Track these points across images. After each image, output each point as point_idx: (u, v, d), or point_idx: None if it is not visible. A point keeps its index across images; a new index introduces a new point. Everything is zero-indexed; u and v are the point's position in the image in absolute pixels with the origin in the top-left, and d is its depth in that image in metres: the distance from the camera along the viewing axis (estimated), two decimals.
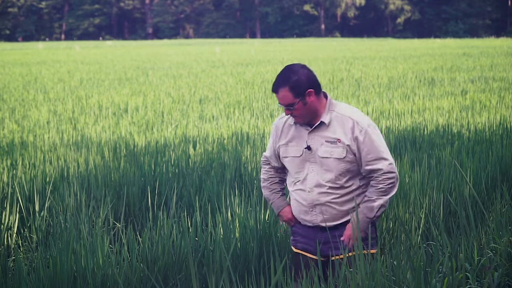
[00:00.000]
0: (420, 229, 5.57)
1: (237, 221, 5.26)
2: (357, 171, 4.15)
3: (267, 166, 4.41)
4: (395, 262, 3.72)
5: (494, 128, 9.63)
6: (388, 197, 4.11)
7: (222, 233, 5.08)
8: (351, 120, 4.08)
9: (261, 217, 5.20)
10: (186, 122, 12.19)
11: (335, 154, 4.09)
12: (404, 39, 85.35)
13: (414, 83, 19.52)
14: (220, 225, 5.16)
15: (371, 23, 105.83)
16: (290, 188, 4.33)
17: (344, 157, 4.09)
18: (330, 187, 4.15)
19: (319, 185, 4.16)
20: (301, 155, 4.18)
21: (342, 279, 3.53)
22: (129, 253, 4.95)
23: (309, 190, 4.19)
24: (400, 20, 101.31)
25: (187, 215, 6.07)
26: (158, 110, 14.15)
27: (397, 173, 4.13)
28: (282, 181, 4.43)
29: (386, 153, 4.11)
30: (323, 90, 4.20)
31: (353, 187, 4.17)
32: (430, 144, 8.81)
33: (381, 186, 4.07)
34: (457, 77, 21.04)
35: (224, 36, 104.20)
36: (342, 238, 4.16)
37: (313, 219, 4.23)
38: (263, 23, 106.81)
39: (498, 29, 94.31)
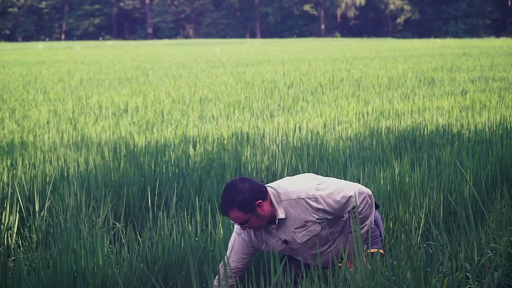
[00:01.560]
0: (420, 229, 5.57)
1: None
2: (338, 217, 4.16)
3: (234, 276, 4.32)
4: (395, 262, 3.72)
5: (494, 128, 9.63)
6: (370, 219, 4.13)
7: (222, 233, 5.08)
8: (302, 199, 4.03)
9: None
10: (186, 122, 12.19)
11: (312, 232, 4.09)
12: (404, 39, 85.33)
13: (414, 83, 19.52)
14: (220, 225, 5.16)
15: (371, 23, 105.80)
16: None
17: (322, 228, 4.09)
18: (329, 246, 4.20)
19: (314, 255, 4.20)
20: (285, 247, 4.19)
21: (342, 279, 3.53)
22: (129, 253, 4.95)
23: (312, 262, 4.24)
24: (400, 20, 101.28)
25: (187, 215, 6.06)
26: (158, 110, 14.15)
27: (366, 190, 4.11)
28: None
29: (347, 188, 4.07)
30: (265, 185, 4.13)
31: (342, 226, 4.20)
32: (430, 144, 8.81)
33: (361, 216, 4.09)
34: (457, 77, 21.03)
35: (224, 36, 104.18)
36: (340, 264, 4.19)
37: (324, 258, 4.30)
38: (263, 23, 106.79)
39: (498, 29, 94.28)
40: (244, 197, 3.98)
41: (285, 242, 4.13)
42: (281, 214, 4.05)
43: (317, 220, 4.05)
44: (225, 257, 4.22)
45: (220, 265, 4.40)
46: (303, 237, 4.09)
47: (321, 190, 4.04)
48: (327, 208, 4.03)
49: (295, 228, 4.07)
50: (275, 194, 4.09)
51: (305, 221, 4.05)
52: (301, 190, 4.05)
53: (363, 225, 4.10)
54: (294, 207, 4.05)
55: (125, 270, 4.63)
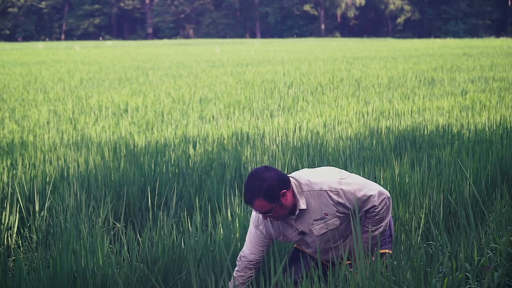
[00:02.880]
0: (420, 229, 5.57)
1: (237, 221, 5.26)
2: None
3: (247, 269, 4.31)
4: (395, 262, 3.72)
5: (494, 128, 9.63)
6: (386, 221, 4.13)
7: (222, 233, 5.08)
8: (324, 191, 4.02)
9: None
10: (186, 122, 12.18)
11: (330, 226, 4.08)
12: (404, 39, 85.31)
13: (414, 83, 19.52)
14: (220, 225, 5.16)
15: (371, 23, 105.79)
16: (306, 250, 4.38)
17: (341, 222, 4.09)
18: (344, 241, 4.21)
19: (331, 248, 4.20)
20: (301, 239, 4.18)
21: (342, 279, 3.53)
22: (129, 253, 4.95)
23: (325, 253, 4.25)
24: (400, 20, 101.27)
25: (187, 215, 6.06)
26: (158, 110, 14.15)
27: (386, 193, 4.11)
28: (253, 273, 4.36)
29: (368, 187, 4.08)
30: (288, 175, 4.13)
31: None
32: (430, 144, 8.81)
33: (378, 217, 4.08)
34: (457, 77, 21.03)
35: (224, 36, 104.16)
36: (348, 262, 4.17)
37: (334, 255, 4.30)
38: (263, 23, 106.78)
39: (498, 29, 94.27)
40: (270, 186, 3.95)
41: (302, 233, 4.11)
42: (302, 205, 4.03)
43: (337, 213, 4.04)
44: (242, 252, 4.22)
45: (237, 259, 4.38)
46: (320, 229, 4.07)
47: (343, 185, 4.03)
48: (347, 203, 4.02)
49: (314, 220, 4.06)
50: (297, 184, 4.07)
51: (325, 213, 4.04)
52: (323, 182, 4.04)
53: (379, 226, 4.10)
54: (315, 199, 4.04)
55: (125, 270, 4.63)
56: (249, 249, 4.28)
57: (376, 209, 4.06)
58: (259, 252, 4.28)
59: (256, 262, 4.31)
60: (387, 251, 4.26)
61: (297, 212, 4.06)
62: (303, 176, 4.10)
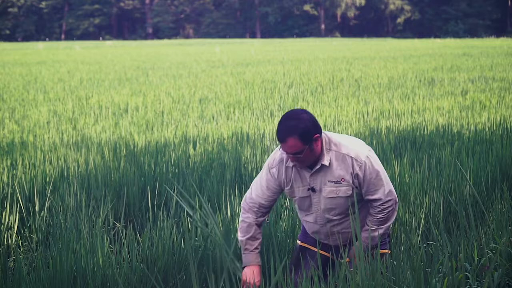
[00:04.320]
0: (420, 229, 5.57)
1: (237, 221, 5.26)
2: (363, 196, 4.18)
3: (252, 212, 4.26)
4: (395, 262, 3.72)
5: (494, 128, 9.63)
6: (388, 224, 4.11)
7: (222, 233, 5.07)
8: (349, 157, 4.04)
9: None
10: (186, 122, 12.19)
11: (341, 193, 4.08)
12: (404, 39, 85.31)
13: (414, 83, 19.52)
14: (220, 225, 5.16)
15: (371, 23, 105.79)
16: (301, 217, 4.34)
17: (351, 194, 4.08)
18: (342, 218, 4.18)
19: (330, 220, 4.18)
20: (308, 196, 4.16)
21: (342, 279, 3.53)
22: (129, 253, 4.95)
23: (321, 225, 4.21)
24: (400, 20, 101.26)
25: (187, 215, 6.06)
26: (158, 110, 14.15)
27: (396, 196, 4.11)
28: (261, 231, 4.32)
29: (385, 181, 4.09)
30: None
31: (363, 209, 4.20)
32: (430, 144, 8.81)
33: (380, 216, 4.07)
34: (457, 77, 21.03)
35: (224, 36, 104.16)
36: (347, 260, 4.16)
37: (329, 242, 4.27)
38: (263, 23, 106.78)
39: (498, 29, 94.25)
40: (307, 126, 3.96)
41: (312, 190, 4.09)
42: (325, 161, 4.03)
43: (352, 184, 4.04)
44: (246, 194, 4.20)
45: (242, 200, 4.34)
46: (330, 192, 4.07)
47: (369, 162, 4.04)
48: (362, 179, 4.03)
49: (329, 181, 4.06)
50: (327, 140, 4.08)
51: (342, 178, 4.04)
52: (352, 149, 4.05)
53: (380, 227, 4.09)
54: (339, 161, 4.04)
55: (125, 270, 4.63)
56: (255, 192, 4.24)
57: (381, 204, 4.06)
58: (263, 195, 4.22)
59: (259, 206, 4.23)
60: (386, 251, 4.26)
61: (317, 167, 4.05)
62: (334, 136, 4.12)
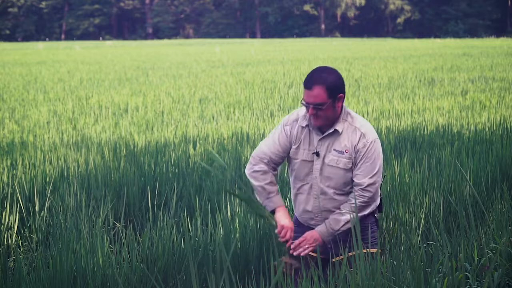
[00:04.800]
0: (420, 229, 5.57)
1: (237, 221, 5.26)
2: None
3: (263, 163, 4.26)
4: (395, 262, 3.72)
5: (494, 128, 9.63)
6: (358, 214, 4.11)
7: (222, 233, 5.08)
8: (359, 132, 4.11)
9: None
10: (186, 122, 12.18)
11: (341, 164, 4.12)
12: (404, 39, 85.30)
13: (414, 83, 19.52)
14: (220, 225, 5.16)
15: (371, 23, 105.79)
16: (294, 191, 4.32)
17: (350, 167, 4.12)
18: (335, 193, 4.18)
19: (324, 193, 4.19)
20: (310, 160, 4.18)
21: (342, 279, 3.53)
22: (129, 253, 4.95)
23: (315, 196, 4.21)
24: (400, 20, 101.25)
25: (187, 215, 6.06)
26: (158, 110, 14.15)
27: (374, 195, 4.13)
28: (276, 178, 4.33)
29: (377, 173, 4.12)
30: None
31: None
32: (430, 144, 8.81)
33: (354, 202, 4.09)
34: (457, 77, 21.03)
35: (224, 36, 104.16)
36: (300, 239, 4.15)
37: (318, 224, 4.25)
38: (263, 23, 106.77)
39: (498, 29, 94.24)
40: (336, 81, 4.08)
41: (317, 154, 4.14)
42: (339, 127, 4.11)
43: (353, 157, 4.10)
44: (256, 148, 4.23)
45: (250, 157, 4.35)
46: (332, 160, 4.12)
47: (373, 146, 4.10)
48: (359, 158, 4.09)
49: (334, 149, 4.12)
50: (345, 111, 4.17)
51: (346, 149, 4.11)
52: (365, 127, 4.13)
53: (348, 212, 4.09)
54: (349, 133, 4.12)
55: (125, 270, 4.63)
56: (265, 146, 4.27)
57: (360, 189, 4.09)
58: (274, 150, 4.24)
59: (270, 159, 4.25)
60: (376, 250, 4.25)
61: (330, 131, 4.12)
62: (352, 112, 4.22)
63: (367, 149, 4.09)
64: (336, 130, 4.12)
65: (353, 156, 4.11)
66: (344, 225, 4.12)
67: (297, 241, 4.14)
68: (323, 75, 4.07)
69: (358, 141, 4.09)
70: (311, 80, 4.07)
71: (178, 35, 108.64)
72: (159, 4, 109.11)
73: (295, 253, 4.14)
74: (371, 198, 4.14)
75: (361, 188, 4.11)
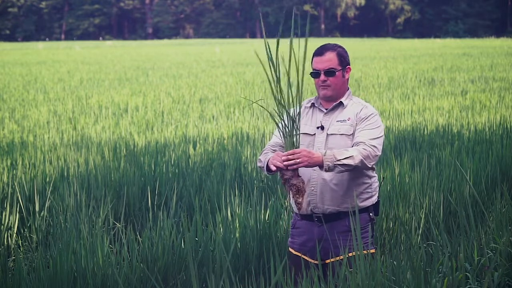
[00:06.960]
0: (420, 229, 5.57)
1: (237, 221, 5.26)
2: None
3: (272, 152, 4.28)
4: (395, 262, 3.72)
5: (494, 128, 9.63)
6: (357, 158, 4.04)
7: (222, 233, 5.08)
8: (362, 105, 4.28)
9: (261, 217, 5.20)
10: (186, 122, 12.18)
11: (342, 130, 4.22)
12: (404, 39, 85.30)
13: (414, 83, 19.52)
14: (220, 225, 5.16)
15: (371, 23, 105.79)
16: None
17: (351, 134, 4.21)
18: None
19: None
20: (313, 134, 4.27)
21: (342, 279, 3.53)
22: (129, 253, 4.95)
23: (314, 172, 4.21)
24: (400, 20, 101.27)
25: (187, 215, 6.06)
26: (158, 110, 14.15)
27: (375, 156, 4.12)
28: None
29: (378, 140, 4.16)
30: None
31: (359, 174, 4.18)
32: (430, 144, 8.81)
33: (358, 148, 4.10)
34: (457, 77, 21.03)
35: (224, 36, 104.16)
36: (295, 150, 4.04)
37: (313, 199, 4.20)
38: (263, 23, 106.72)
39: (498, 29, 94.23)
40: (344, 52, 4.29)
41: (321, 127, 4.25)
42: (344, 101, 4.27)
43: (355, 125, 4.20)
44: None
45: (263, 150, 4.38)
46: (334, 130, 4.22)
47: (374, 117, 4.21)
48: (359, 122, 4.19)
49: (337, 121, 4.25)
50: (349, 92, 4.35)
51: (348, 117, 4.23)
52: (367, 104, 4.31)
53: (355, 150, 4.07)
54: (353, 107, 4.27)
55: (125, 270, 4.63)
56: (274, 138, 4.37)
57: (362, 143, 4.13)
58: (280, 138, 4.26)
59: (278, 149, 4.30)
60: (374, 251, 4.24)
61: (336, 102, 4.27)
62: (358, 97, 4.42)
63: (369, 116, 4.21)
64: (341, 102, 4.27)
65: (355, 124, 4.21)
66: (346, 158, 4.04)
67: (290, 151, 4.02)
68: (333, 45, 4.29)
69: (361, 111, 4.23)
70: (322, 48, 4.28)
71: (178, 35, 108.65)
72: (159, 4, 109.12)
73: (285, 163, 4.02)
74: (372, 155, 4.12)
75: (363, 143, 4.12)
